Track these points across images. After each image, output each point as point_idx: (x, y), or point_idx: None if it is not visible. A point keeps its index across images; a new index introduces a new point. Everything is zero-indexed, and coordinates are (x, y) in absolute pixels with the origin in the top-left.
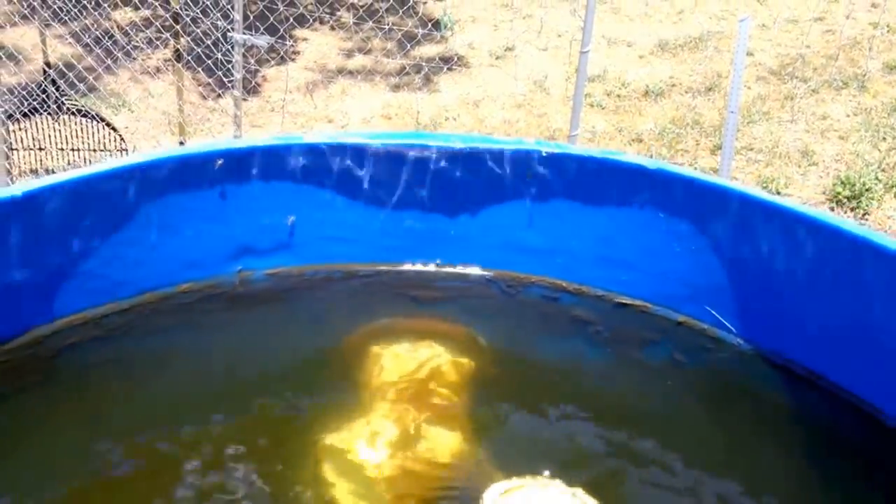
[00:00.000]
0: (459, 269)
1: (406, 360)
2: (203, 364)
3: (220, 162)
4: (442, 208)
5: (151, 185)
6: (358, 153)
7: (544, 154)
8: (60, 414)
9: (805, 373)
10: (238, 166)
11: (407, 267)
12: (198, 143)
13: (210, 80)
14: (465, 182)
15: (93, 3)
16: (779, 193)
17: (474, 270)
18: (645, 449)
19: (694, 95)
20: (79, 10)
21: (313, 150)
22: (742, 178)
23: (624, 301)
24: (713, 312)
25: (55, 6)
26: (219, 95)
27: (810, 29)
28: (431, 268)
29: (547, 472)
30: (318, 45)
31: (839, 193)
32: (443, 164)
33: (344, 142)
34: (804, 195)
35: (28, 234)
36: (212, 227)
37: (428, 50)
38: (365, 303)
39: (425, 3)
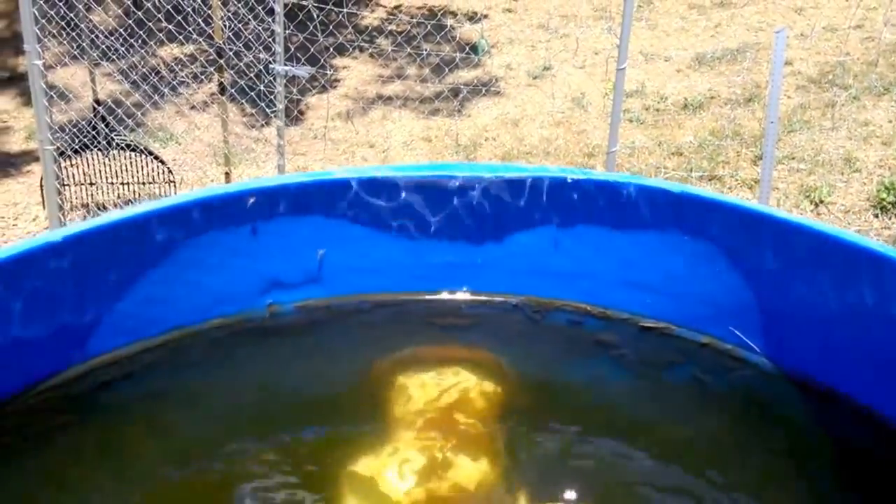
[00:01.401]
0: (486, 297)
1: (433, 387)
2: (234, 397)
3: (252, 200)
4: (468, 237)
5: (181, 225)
6: (382, 186)
7: (569, 180)
8: (96, 450)
9: (830, 391)
10: (267, 203)
11: (434, 296)
12: (226, 184)
13: (254, 111)
14: (491, 210)
15: (139, 41)
16: (822, 202)
17: (500, 297)
18: (673, 473)
19: (733, 107)
20: (126, 49)
21: (338, 185)
22: (785, 188)
23: (648, 324)
24: (737, 333)
25: (103, 46)
26: (263, 125)
27: (849, 37)
28: (458, 296)
29: (572, 496)
30: (358, 72)
31: (883, 199)
32: (468, 193)
33: (370, 175)
34: (848, 202)
35: (64, 278)
36: (240, 263)
37: (465, 73)
38: (393, 332)
39: (462, 27)
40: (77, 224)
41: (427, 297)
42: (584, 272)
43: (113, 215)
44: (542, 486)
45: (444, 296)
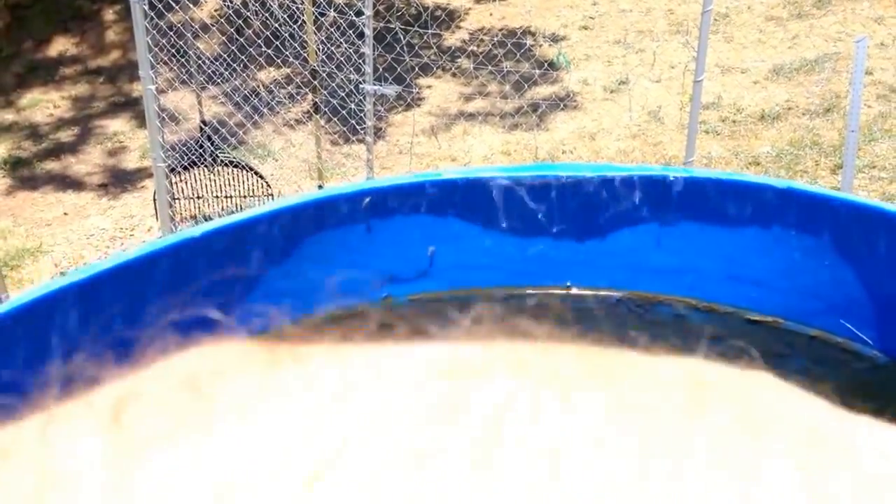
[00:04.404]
0: (589, 291)
1: None
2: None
3: (367, 200)
4: (570, 234)
5: (304, 222)
6: (489, 186)
7: (671, 178)
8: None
9: None
10: (381, 203)
11: (539, 290)
12: (344, 184)
13: (344, 128)
14: (593, 208)
15: (241, 65)
16: None
17: (604, 292)
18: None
19: (812, 117)
20: (229, 73)
21: (447, 185)
22: (866, 196)
23: (755, 317)
24: (848, 325)
25: (209, 71)
26: (352, 142)
27: None
28: (562, 291)
29: None
30: (441, 90)
31: None
32: (571, 192)
33: (476, 176)
34: None
35: (197, 273)
36: (359, 259)
37: (543, 89)
38: (502, 324)
39: (541, 46)
40: (211, 222)
41: (531, 291)
42: (688, 267)
43: (240, 215)
44: None
45: (549, 290)
